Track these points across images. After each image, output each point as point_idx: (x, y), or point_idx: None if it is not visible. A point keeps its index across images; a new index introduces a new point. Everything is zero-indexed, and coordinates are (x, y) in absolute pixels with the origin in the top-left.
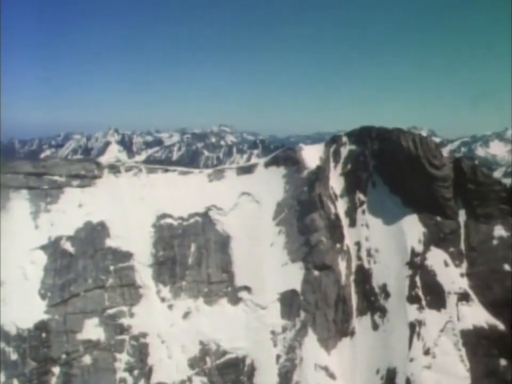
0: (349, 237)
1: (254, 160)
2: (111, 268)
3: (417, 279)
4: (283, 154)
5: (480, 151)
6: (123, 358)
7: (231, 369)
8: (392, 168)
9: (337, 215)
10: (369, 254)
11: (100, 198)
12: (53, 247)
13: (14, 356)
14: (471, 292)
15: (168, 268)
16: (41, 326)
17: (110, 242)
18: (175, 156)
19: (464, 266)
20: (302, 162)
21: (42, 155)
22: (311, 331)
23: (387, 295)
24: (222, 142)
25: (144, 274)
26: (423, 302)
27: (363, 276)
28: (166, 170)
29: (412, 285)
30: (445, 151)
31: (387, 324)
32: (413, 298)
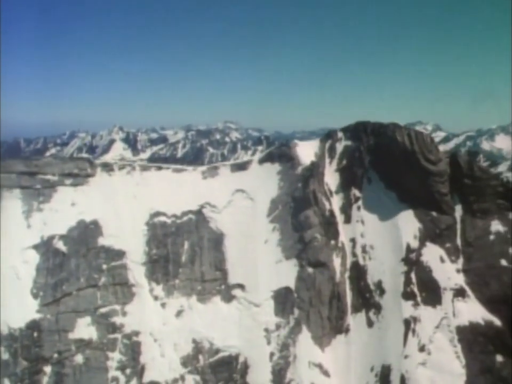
0: (344, 233)
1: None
2: (104, 266)
3: (413, 275)
4: (277, 150)
5: (485, 145)
6: (115, 357)
7: (224, 368)
8: (387, 164)
9: (332, 212)
10: (364, 251)
11: (93, 196)
12: (45, 246)
13: (5, 356)
14: (467, 288)
15: (161, 266)
16: (33, 326)
17: (103, 241)
18: (179, 153)
19: (460, 262)
20: (297, 159)
21: (47, 153)
22: (305, 328)
23: (382, 291)
24: (227, 139)
25: (137, 273)
26: (418, 299)
27: (358, 272)
28: (160, 168)
29: (407, 281)
30: (450, 145)
31: (382, 320)
32: (408, 295)
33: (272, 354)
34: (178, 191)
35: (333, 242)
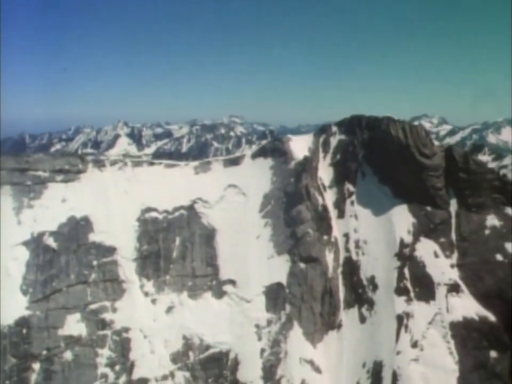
0: (337, 228)
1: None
2: (94, 262)
3: (406, 271)
4: (270, 145)
5: (491, 138)
6: (105, 353)
7: (214, 364)
8: (381, 158)
9: (324, 207)
10: (357, 246)
11: (83, 192)
12: (35, 243)
13: None
14: (461, 283)
15: (152, 262)
16: (22, 322)
17: (93, 237)
18: (184, 147)
19: (455, 257)
20: (290, 153)
21: (53, 149)
22: (297, 324)
23: (375, 287)
24: (232, 133)
25: (127, 269)
26: (412, 294)
27: (351, 267)
28: (152, 164)
29: (400, 277)
30: (456, 138)
31: (374, 316)
32: (401, 290)
33: (263, 351)
34: (170, 187)
35: (325, 237)
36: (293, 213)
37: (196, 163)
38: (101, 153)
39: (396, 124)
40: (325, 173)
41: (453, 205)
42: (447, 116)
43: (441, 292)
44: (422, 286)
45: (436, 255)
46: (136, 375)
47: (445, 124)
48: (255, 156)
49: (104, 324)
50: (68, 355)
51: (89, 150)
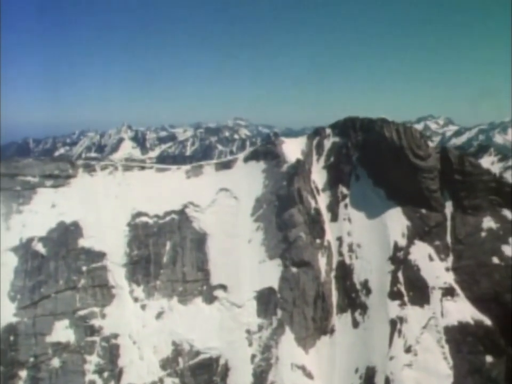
0: (331, 232)
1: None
2: (84, 268)
3: (400, 275)
4: (263, 148)
5: (498, 138)
6: (93, 360)
7: (204, 370)
8: (375, 160)
9: (317, 210)
10: (351, 249)
11: (73, 197)
12: (24, 249)
13: None
14: (456, 287)
15: (142, 267)
16: (9, 329)
17: (83, 242)
18: (188, 151)
19: (450, 260)
20: (282, 156)
21: (56, 153)
22: (288, 329)
23: (368, 291)
24: (236, 136)
25: (117, 274)
26: (405, 298)
27: (344, 271)
28: (143, 168)
29: (394, 281)
30: (462, 139)
31: (368, 321)
32: (394, 295)
33: (253, 356)
34: (161, 191)
35: (318, 241)
36: (285, 216)
37: (187, 167)
38: (105, 157)
39: (390, 125)
40: (318, 175)
41: (448, 207)
42: (453, 116)
43: (435, 295)
44: (416, 290)
45: (431, 259)
46: (124, 381)
47: (451, 124)
48: (247, 159)
49: (92, 330)
50: (55, 362)
51: (93, 154)
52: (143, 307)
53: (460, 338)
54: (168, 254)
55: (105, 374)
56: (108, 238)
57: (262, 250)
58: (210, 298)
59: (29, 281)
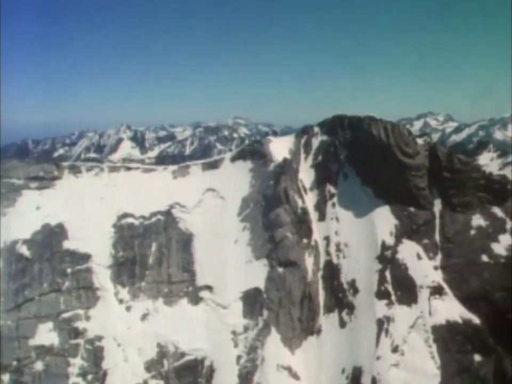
0: (318, 231)
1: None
2: (68, 270)
3: (387, 274)
4: (250, 147)
5: (498, 134)
6: (77, 363)
7: (189, 372)
8: (363, 158)
9: (304, 209)
10: (338, 249)
11: (59, 199)
12: (8, 251)
13: None
14: (445, 285)
15: (128, 268)
16: None
17: (68, 245)
18: (187, 150)
19: (438, 258)
20: (270, 155)
21: (56, 154)
22: (274, 330)
23: (356, 291)
24: (235, 135)
25: (102, 276)
26: (393, 297)
27: (331, 271)
28: (129, 169)
29: (382, 280)
30: (462, 136)
31: (355, 321)
32: (382, 294)
33: (239, 357)
34: (147, 192)
35: (305, 240)
36: (271, 216)
37: (174, 167)
38: (104, 158)
39: (378, 123)
40: (306, 174)
41: (437, 205)
42: (453, 113)
43: (423, 294)
44: (403, 289)
45: (419, 257)
46: None
47: (451, 121)
48: (234, 158)
49: (76, 333)
50: (39, 365)
51: (92, 155)
52: (128, 309)
53: (448, 338)
54: (154, 255)
55: (89, 377)
56: (93, 239)
57: (248, 250)
58: (196, 299)
59: (13, 284)
